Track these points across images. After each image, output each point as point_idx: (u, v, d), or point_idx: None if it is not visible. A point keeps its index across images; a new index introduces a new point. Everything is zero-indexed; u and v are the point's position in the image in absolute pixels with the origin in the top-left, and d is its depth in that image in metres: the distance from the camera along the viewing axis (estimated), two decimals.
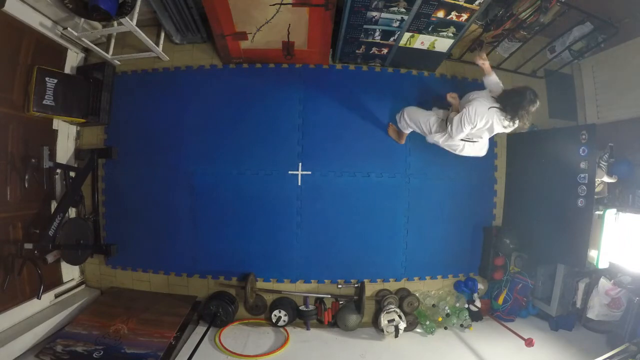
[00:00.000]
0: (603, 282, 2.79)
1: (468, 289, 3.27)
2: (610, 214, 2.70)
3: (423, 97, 3.22)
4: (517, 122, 2.27)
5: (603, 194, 2.91)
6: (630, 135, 3.05)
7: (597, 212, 2.71)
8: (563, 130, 3.12)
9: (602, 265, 2.71)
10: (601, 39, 3.17)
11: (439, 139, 2.63)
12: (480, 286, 3.32)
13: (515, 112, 2.22)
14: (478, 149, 2.62)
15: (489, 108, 2.27)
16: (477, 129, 2.36)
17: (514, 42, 3.29)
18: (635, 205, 2.81)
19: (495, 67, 3.37)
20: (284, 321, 2.98)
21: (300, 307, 3.06)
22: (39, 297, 2.55)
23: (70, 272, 3.13)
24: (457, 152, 2.65)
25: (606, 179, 2.82)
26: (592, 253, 2.72)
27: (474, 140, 2.53)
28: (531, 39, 3.12)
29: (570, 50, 3.32)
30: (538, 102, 2.23)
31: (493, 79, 2.44)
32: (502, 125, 2.32)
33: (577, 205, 2.70)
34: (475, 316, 3.21)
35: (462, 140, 2.51)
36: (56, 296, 2.91)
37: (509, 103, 2.24)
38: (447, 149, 2.69)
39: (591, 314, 2.84)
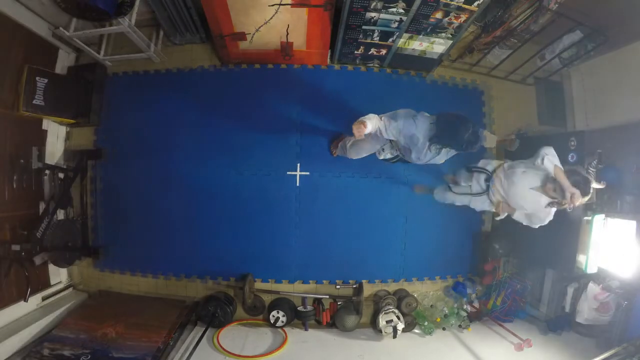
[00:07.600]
0: (591, 286, 2.81)
1: (466, 290, 3.28)
2: (598, 220, 2.74)
3: (421, 98, 3.24)
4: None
5: (591, 199, 2.93)
6: (618, 142, 3.09)
7: (585, 218, 2.75)
8: (552, 137, 3.15)
9: (591, 270, 2.74)
10: (591, 47, 3.22)
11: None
12: (478, 287, 3.34)
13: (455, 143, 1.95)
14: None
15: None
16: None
17: (505, 50, 3.34)
18: (623, 210, 2.85)
19: (486, 74, 3.44)
20: (282, 322, 2.97)
21: (298, 308, 3.05)
22: (25, 300, 2.52)
23: (58, 275, 3.07)
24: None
25: (595, 185, 2.85)
26: (581, 258, 2.75)
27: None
28: (522, 47, 3.17)
29: (560, 57, 3.37)
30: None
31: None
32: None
33: (565, 211, 2.71)
34: (474, 317, 3.22)
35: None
36: (43, 299, 2.86)
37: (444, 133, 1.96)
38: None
39: (580, 319, 2.86)
